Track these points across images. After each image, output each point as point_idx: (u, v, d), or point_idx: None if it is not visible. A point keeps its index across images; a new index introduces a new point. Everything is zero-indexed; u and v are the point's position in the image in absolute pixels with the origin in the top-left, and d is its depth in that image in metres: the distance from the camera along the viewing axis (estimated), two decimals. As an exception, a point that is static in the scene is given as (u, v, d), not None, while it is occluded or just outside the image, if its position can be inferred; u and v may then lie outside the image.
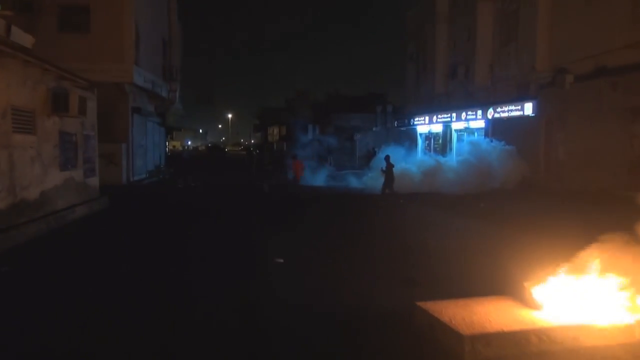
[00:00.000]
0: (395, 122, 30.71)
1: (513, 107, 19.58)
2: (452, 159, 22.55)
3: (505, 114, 20.06)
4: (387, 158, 18.61)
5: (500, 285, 5.36)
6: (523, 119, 19.12)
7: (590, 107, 16.11)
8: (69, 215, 10.66)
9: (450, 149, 24.98)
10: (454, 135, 25.11)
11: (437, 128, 26.50)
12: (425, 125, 27.49)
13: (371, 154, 28.03)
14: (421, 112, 27.71)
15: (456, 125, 24.42)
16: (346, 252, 8.11)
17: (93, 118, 12.48)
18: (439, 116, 25.23)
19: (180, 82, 26.91)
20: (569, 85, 16.60)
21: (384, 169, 18.44)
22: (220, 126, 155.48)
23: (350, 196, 19.33)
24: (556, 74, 18.20)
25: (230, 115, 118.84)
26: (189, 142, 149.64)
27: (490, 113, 21.06)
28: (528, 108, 18.82)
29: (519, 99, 19.73)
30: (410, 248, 8.40)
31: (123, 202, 14.68)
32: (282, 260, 7.13)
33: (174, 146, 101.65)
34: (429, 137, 28.20)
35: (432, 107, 26.94)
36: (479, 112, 21.77)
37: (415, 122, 28.21)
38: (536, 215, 12.16)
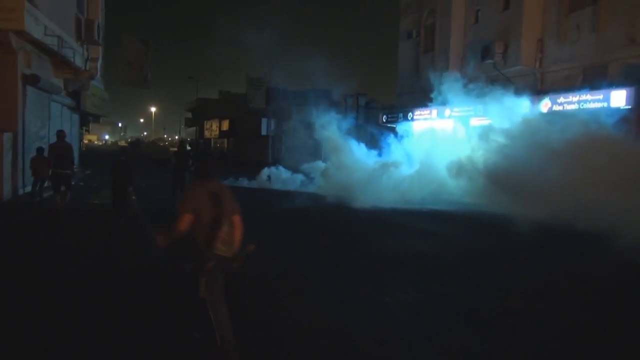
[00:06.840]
0: (384, 117, 24.70)
1: (590, 97, 14.27)
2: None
3: (573, 106, 14.74)
4: (184, 143, 15.50)
5: None
6: (595, 114, 13.88)
7: None
8: None
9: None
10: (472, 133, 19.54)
11: (445, 125, 20.87)
12: (429, 122, 21.78)
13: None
14: (423, 105, 21.98)
15: (477, 121, 18.85)
16: None
17: None
18: (456, 109, 19.55)
19: (103, 48, 18.93)
20: None
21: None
22: (142, 120, 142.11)
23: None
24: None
25: (154, 109, 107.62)
26: (106, 137, 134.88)
27: (546, 104, 15.73)
28: (617, 98, 13.61)
29: (596, 86, 14.51)
30: None
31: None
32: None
33: (89, 141, 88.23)
34: (430, 136, 22.41)
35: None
36: (526, 103, 16.34)
37: (415, 117, 22.41)
38: None
